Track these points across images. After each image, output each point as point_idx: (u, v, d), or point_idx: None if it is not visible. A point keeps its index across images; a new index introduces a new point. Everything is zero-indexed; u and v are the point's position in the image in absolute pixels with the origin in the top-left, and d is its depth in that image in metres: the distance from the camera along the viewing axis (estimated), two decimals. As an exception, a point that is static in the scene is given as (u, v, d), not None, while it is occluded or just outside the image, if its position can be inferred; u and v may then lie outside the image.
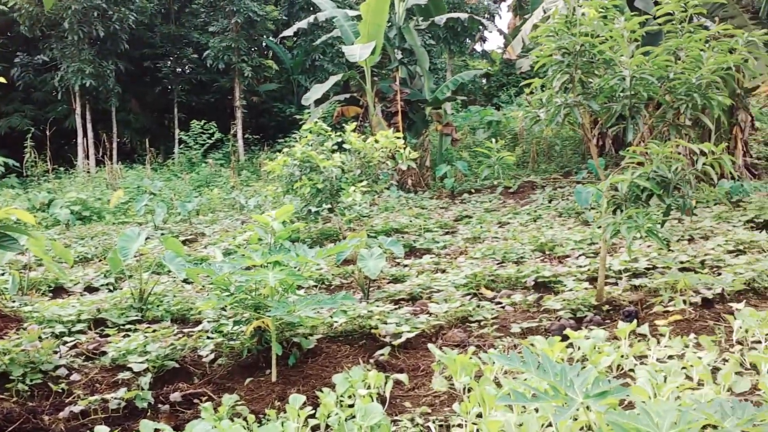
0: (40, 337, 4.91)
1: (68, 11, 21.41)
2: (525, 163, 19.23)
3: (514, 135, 21.34)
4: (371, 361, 4.65)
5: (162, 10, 26.25)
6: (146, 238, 8.89)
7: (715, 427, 2.40)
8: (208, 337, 5.09)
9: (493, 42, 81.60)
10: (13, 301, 6.52)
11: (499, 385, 3.77)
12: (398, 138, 10.34)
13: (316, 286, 7.29)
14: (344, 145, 10.30)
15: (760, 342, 4.35)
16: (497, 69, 32.95)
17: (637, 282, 6.29)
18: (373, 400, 3.61)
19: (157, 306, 6.29)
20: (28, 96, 25.80)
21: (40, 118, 24.62)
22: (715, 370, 3.88)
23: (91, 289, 7.62)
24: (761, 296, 5.76)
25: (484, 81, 33.37)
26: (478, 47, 34.09)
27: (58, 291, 7.53)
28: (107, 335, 5.29)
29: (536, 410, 3.20)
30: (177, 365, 4.60)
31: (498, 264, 7.80)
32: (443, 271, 7.58)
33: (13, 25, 23.13)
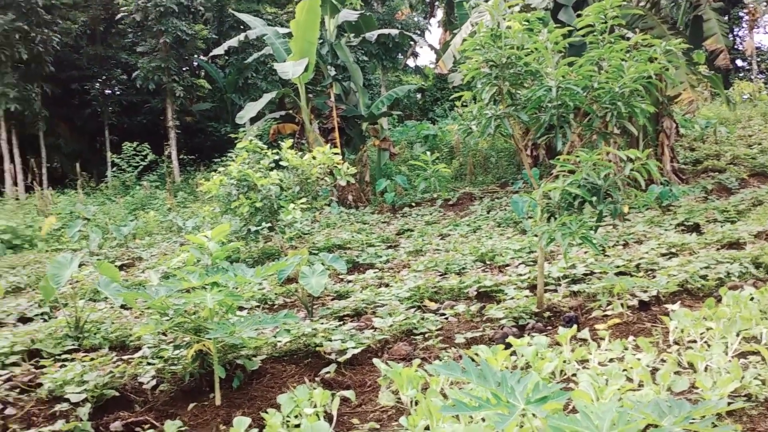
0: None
1: (-12, 34, 20.78)
2: (463, 176, 19.47)
3: (451, 148, 21.60)
4: (317, 379, 4.61)
5: (87, 31, 25.63)
6: (80, 265, 8.62)
7: (656, 426, 2.46)
8: (149, 363, 4.96)
9: (426, 57, 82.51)
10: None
11: (445, 396, 3.78)
12: (336, 154, 10.35)
13: (258, 306, 7.20)
14: (282, 163, 10.25)
15: (695, 341, 4.49)
16: (431, 84, 33.40)
17: (575, 288, 6.42)
18: (319, 419, 3.58)
19: (95, 334, 6.11)
20: (-51, 122, 24.76)
21: (-37, 146, 23.68)
22: (654, 370, 3.99)
23: (24, 320, 7.34)
24: (695, 297, 5.96)
25: (418, 96, 33.75)
26: (410, 62, 34.55)
27: (-11, 324, 7.21)
28: (42, 366, 5.09)
29: (483, 420, 3.22)
30: (117, 394, 4.46)
31: (440, 276, 7.87)
32: (387, 285, 7.59)
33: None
